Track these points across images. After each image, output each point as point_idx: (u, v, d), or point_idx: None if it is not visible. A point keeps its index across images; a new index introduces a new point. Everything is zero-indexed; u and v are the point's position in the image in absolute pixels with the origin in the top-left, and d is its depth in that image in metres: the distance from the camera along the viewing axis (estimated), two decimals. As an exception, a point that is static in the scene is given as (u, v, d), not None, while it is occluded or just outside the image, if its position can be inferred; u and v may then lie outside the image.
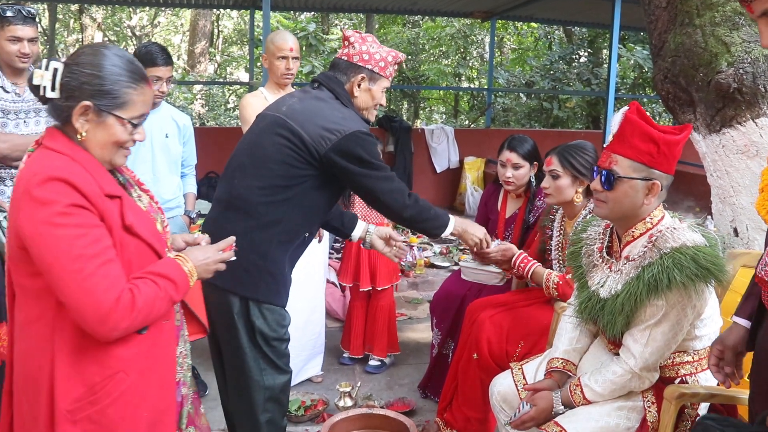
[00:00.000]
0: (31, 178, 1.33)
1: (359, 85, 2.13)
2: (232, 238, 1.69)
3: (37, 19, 2.83)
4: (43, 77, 1.39)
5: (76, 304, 1.31)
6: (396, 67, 2.20)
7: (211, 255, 1.60)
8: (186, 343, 1.68)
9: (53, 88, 1.39)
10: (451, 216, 2.26)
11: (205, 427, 1.78)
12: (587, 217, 2.28)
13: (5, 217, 2.54)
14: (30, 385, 1.39)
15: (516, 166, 2.94)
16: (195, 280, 1.53)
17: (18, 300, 1.43)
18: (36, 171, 1.34)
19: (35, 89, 1.41)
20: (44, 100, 1.42)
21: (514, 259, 2.54)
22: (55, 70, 1.39)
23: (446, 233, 2.23)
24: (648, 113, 1.76)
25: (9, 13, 2.68)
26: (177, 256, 1.54)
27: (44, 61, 1.41)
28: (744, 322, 1.64)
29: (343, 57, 2.14)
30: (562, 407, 1.89)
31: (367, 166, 2.01)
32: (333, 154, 1.97)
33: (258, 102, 3.06)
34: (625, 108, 1.78)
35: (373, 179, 2.03)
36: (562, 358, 2.02)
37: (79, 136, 1.42)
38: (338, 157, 1.97)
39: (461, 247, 5.79)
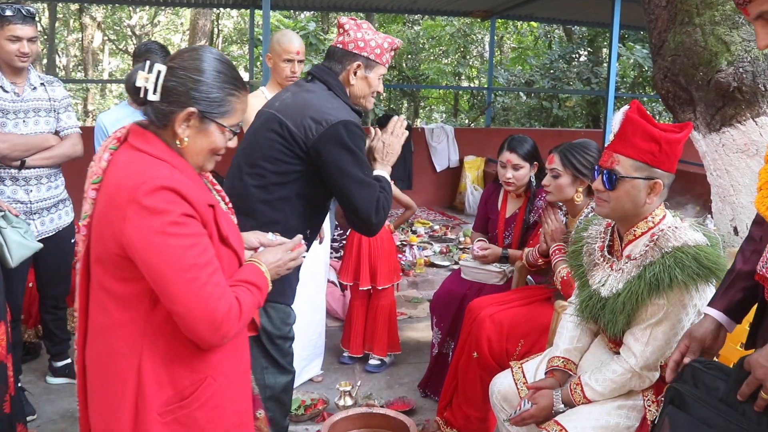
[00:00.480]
0: (139, 186, 1.28)
1: (355, 73, 2.08)
2: (299, 237, 1.68)
3: (36, 18, 2.83)
4: (147, 79, 1.34)
5: (190, 313, 1.29)
6: (393, 53, 2.15)
7: (282, 257, 1.60)
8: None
9: (155, 91, 1.35)
10: (380, 175, 2.12)
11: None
12: (588, 216, 2.28)
13: (3, 216, 2.54)
14: (113, 386, 1.37)
15: (516, 167, 2.94)
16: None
17: (101, 302, 1.38)
18: (142, 178, 1.29)
19: (135, 91, 1.36)
20: (141, 101, 1.37)
21: (553, 246, 2.57)
22: (159, 72, 1.35)
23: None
24: (648, 112, 1.75)
25: (8, 13, 2.67)
26: (253, 260, 1.53)
27: (147, 63, 1.36)
28: (716, 314, 1.57)
29: (338, 45, 2.10)
30: (563, 406, 1.89)
31: (352, 159, 1.95)
32: (319, 144, 1.94)
33: (258, 102, 3.04)
34: (626, 107, 1.78)
35: (353, 181, 1.96)
36: (562, 357, 2.02)
37: (179, 142, 1.39)
38: (323, 147, 1.93)
39: (461, 246, 5.78)
